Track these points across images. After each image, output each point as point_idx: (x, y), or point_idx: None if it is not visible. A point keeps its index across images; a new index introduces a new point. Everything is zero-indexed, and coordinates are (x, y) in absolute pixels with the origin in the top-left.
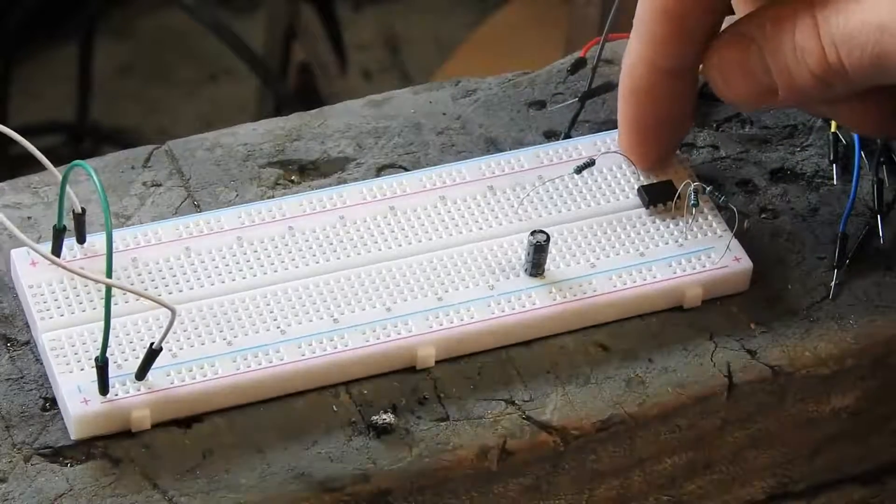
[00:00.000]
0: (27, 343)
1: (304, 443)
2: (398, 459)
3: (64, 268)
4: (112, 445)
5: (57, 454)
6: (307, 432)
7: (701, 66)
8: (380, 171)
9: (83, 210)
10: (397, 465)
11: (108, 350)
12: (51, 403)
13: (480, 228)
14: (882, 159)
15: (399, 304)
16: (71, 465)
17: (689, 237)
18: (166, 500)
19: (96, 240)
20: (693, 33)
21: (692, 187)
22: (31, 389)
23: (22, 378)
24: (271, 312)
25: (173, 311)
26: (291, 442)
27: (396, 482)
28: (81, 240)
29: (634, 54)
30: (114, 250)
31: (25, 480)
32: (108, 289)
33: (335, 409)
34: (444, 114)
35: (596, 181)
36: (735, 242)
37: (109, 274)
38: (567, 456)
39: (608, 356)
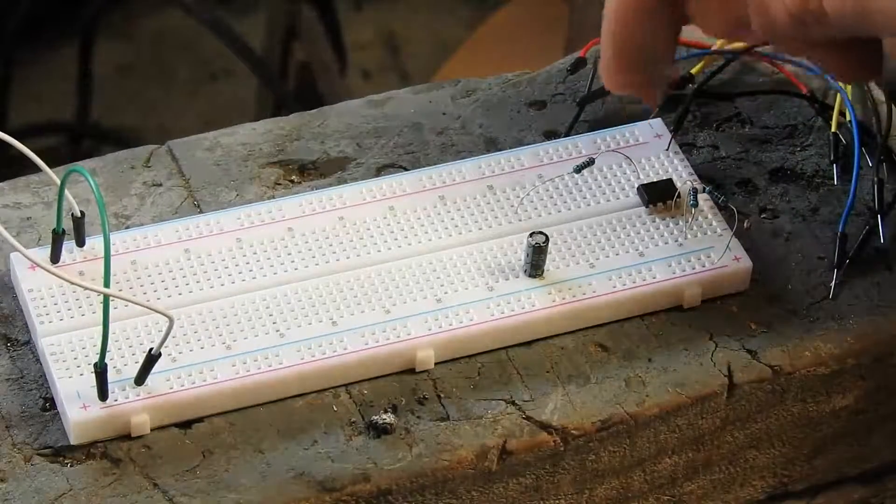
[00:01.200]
0: (27, 343)
1: (304, 443)
2: (398, 459)
3: (60, 277)
4: (112, 445)
5: (57, 454)
6: (307, 432)
7: None
8: (380, 171)
9: (82, 213)
10: (397, 465)
11: (107, 355)
12: (51, 403)
13: (480, 229)
14: (882, 159)
15: (398, 307)
16: (71, 465)
17: (688, 237)
18: (166, 500)
19: (96, 242)
20: None
21: (692, 187)
22: (32, 389)
23: (22, 378)
24: (270, 315)
25: (171, 320)
26: (291, 442)
27: (396, 482)
28: (81, 243)
29: None
30: (113, 252)
31: (25, 480)
32: (107, 298)
33: (335, 409)
34: (444, 114)
35: (595, 180)
36: (735, 242)
37: (108, 283)
38: (567, 456)
39: (608, 356)
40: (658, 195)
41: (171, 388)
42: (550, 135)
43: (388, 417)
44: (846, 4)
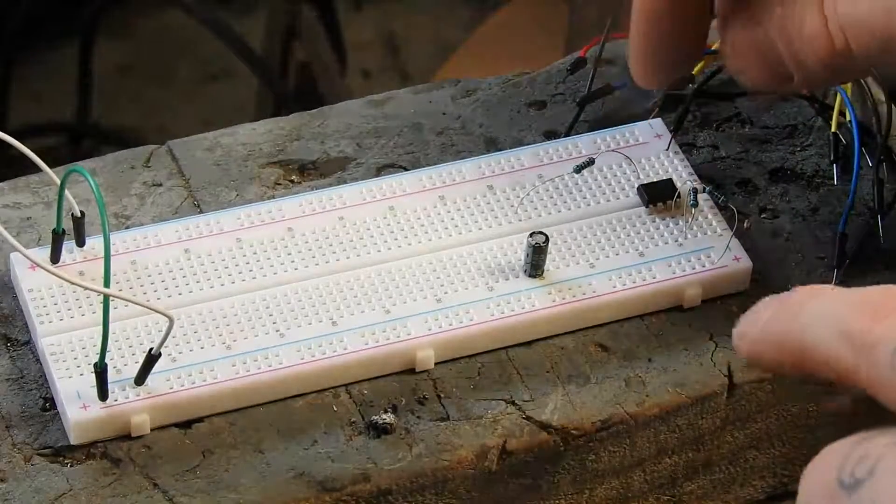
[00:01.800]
0: (27, 343)
1: (304, 443)
2: (398, 459)
3: (60, 277)
4: (112, 445)
5: (57, 454)
6: (307, 432)
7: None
8: (380, 171)
9: (82, 213)
10: (397, 465)
11: (107, 355)
12: (51, 403)
13: (480, 229)
14: (882, 159)
15: (398, 307)
16: (71, 465)
17: (688, 237)
18: (166, 500)
19: (96, 242)
20: None
21: (692, 187)
22: (32, 389)
23: (22, 378)
24: (270, 315)
25: (171, 320)
26: (291, 442)
27: (396, 482)
28: (81, 243)
29: None
30: (113, 252)
31: (25, 480)
32: (107, 298)
33: (335, 409)
34: (444, 114)
35: (595, 180)
36: (735, 242)
37: (108, 283)
38: (567, 456)
39: (608, 356)
40: (658, 195)
41: (171, 388)
42: (550, 135)
43: (388, 417)
44: (872, 41)
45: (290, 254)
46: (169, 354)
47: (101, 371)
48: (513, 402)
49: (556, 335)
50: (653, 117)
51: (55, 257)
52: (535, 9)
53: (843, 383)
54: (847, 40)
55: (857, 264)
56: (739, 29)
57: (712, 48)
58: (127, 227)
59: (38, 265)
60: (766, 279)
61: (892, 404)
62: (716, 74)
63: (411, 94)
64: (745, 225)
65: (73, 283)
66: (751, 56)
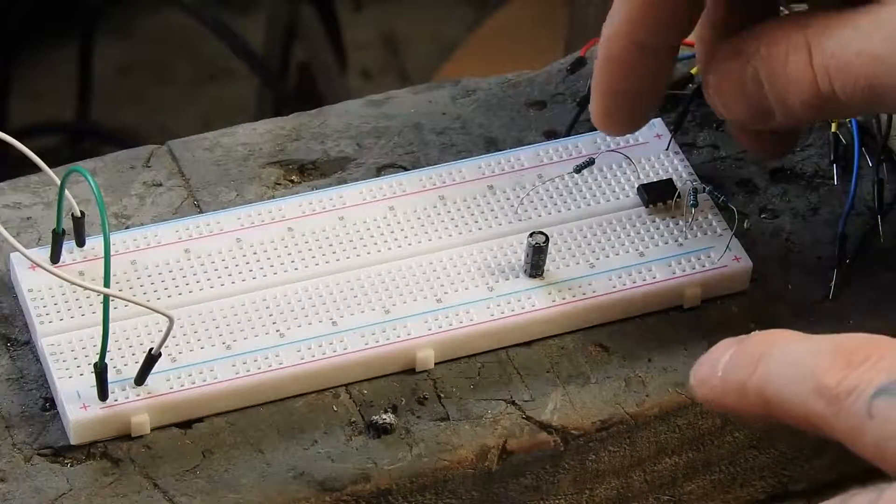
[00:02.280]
0: (27, 343)
1: (304, 443)
2: (398, 459)
3: (60, 277)
4: (112, 445)
5: (57, 454)
6: (307, 432)
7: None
8: (380, 171)
9: (82, 213)
10: (397, 465)
11: (107, 355)
12: (51, 403)
13: (480, 229)
14: (882, 159)
15: (398, 307)
16: (71, 465)
17: (688, 237)
18: (166, 500)
19: (96, 242)
20: (673, 14)
21: (692, 187)
22: (32, 389)
23: (22, 378)
24: (270, 315)
25: (171, 319)
26: (291, 442)
27: (396, 482)
28: (81, 243)
29: (614, 26)
30: (113, 252)
31: (25, 480)
32: (107, 298)
33: (335, 409)
34: (444, 114)
35: (595, 180)
36: (735, 242)
37: (108, 283)
38: (567, 456)
39: (608, 356)
40: (658, 195)
41: (171, 388)
42: (550, 135)
43: (388, 417)
44: (857, 87)
45: (290, 254)
46: (169, 354)
47: (101, 371)
48: (513, 402)
49: (556, 335)
50: (653, 117)
51: (55, 257)
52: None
53: (815, 434)
54: (832, 83)
55: (857, 264)
56: (724, 62)
57: None
58: (127, 227)
59: (38, 265)
60: (766, 279)
61: (869, 454)
62: None
63: (411, 94)
64: (745, 225)
65: (73, 283)
66: (733, 90)
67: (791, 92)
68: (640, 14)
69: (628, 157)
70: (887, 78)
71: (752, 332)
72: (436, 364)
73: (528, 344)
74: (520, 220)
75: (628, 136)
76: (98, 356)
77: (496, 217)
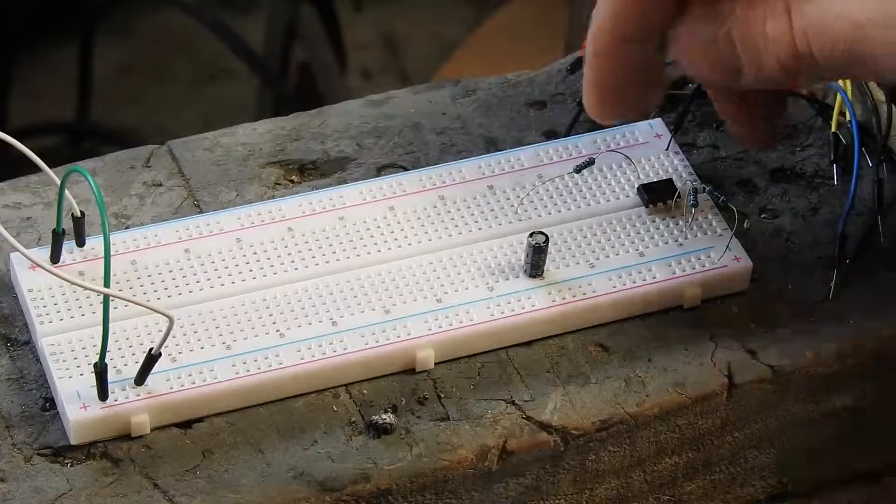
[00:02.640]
0: (27, 343)
1: (304, 443)
2: (398, 459)
3: (60, 277)
4: (112, 445)
5: (57, 454)
6: (307, 432)
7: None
8: (380, 171)
9: (82, 213)
10: (397, 465)
11: (107, 355)
12: (51, 403)
13: (480, 229)
14: (882, 159)
15: (398, 307)
16: (71, 465)
17: (688, 237)
18: (166, 500)
19: (96, 242)
20: (655, 7)
21: (692, 187)
22: (32, 389)
23: (22, 378)
24: (270, 315)
25: (171, 319)
26: (291, 442)
27: (396, 482)
28: (81, 243)
29: (599, 21)
30: (113, 252)
31: (25, 480)
32: (107, 298)
33: (335, 409)
34: (444, 114)
35: (595, 180)
36: (735, 242)
37: (108, 283)
38: (567, 456)
39: (608, 356)
40: (658, 195)
41: (171, 388)
42: (550, 135)
43: (388, 417)
44: (836, 51)
45: (290, 254)
46: (169, 354)
47: (101, 371)
48: (513, 402)
49: (556, 335)
50: (653, 117)
51: (55, 257)
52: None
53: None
54: (810, 46)
55: (857, 264)
56: (698, 23)
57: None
58: (127, 227)
59: (38, 265)
60: (766, 279)
61: None
62: None
63: (411, 94)
64: (745, 225)
65: (73, 283)
66: (706, 50)
67: (767, 53)
68: (624, 8)
69: (628, 157)
70: (866, 43)
71: None
72: (436, 364)
73: (528, 344)
74: (520, 220)
75: (628, 136)
76: (98, 356)
77: (496, 217)
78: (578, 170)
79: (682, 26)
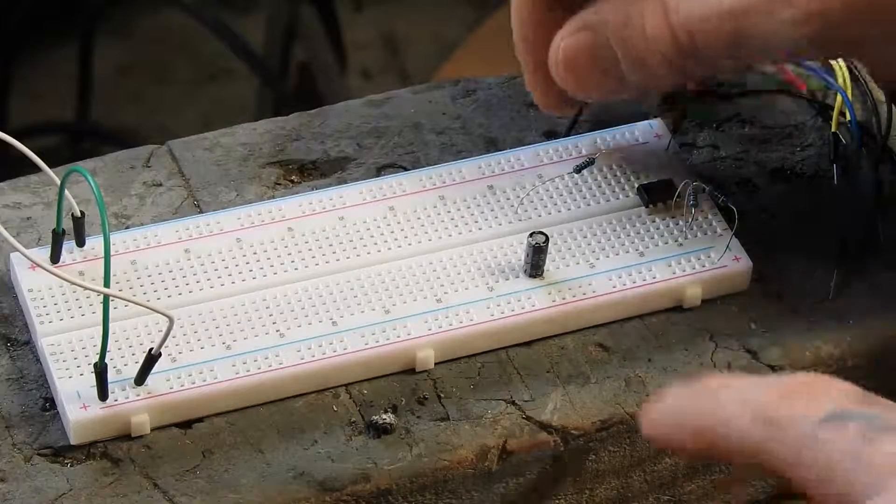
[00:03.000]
0: (27, 343)
1: (304, 443)
2: (398, 459)
3: (60, 277)
4: (112, 445)
5: (57, 454)
6: (307, 432)
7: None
8: (380, 171)
9: (82, 213)
10: (397, 465)
11: (107, 355)
12: (51, 403)
13: (480, 229)
14: (882, 159)
15: (398, 307)
16: (71, 465)
17: (688, 237)
18: (166, 500)
19: (96, 242)
20: None
21: (692, 187)
22: (32, 389)
23: (22, 378)
24: (270, 315)
25: (171, 319)
26: (291, 442)
27: (396, 482)
28: (81, 243)
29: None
30: (113, 252)
31: (25, 480)
32: (107, 298)
33: (335, 409)
34: (444, 114)
35: (595, 180)
36: (735, 242)
37: (108, 283)
38: (567, 456)
39: (608, 356)
40: (658, 195)
41: (171, 388)
42: (550, 135)
43: (388, 417)
44: (720, 38)
45: (290, 254)
46: (169, 354)
47: (101, 371)
48: (513, 402)
49: (556, 335)
50: (653, 117)
51: (55, 257)
52: None
53: (745, 460)
54: (693, 38)
55: (857, 264)
56: (570, 38)
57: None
58: (127, 227)
59: (38, 265)
60: (766, 279)
61: (812, 479)
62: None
63: (411, 94)
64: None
65: (73, 283)
66: (585, 63)
67: (650, 53)
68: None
69: (628, 157)
70: (749, 26)
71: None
72: (436, 364)
73: (528, 344)
74: (520, 220)
75: (628, 136)
76: (98, 356)
77: (496, 217)
78: (578, 170)
79: (555, 47)
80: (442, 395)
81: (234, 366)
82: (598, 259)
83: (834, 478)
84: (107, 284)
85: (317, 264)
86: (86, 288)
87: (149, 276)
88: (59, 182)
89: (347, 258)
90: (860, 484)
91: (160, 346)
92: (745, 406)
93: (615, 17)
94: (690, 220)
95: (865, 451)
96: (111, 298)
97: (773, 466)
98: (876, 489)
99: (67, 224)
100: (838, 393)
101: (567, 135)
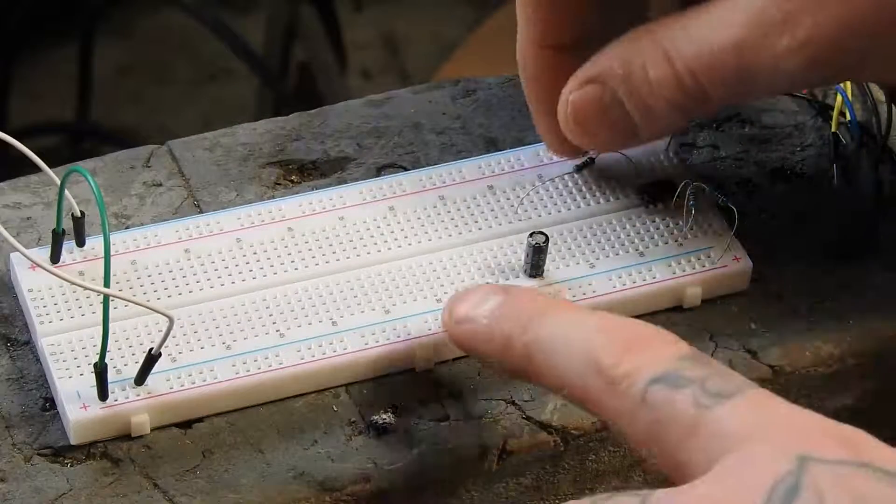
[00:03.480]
0: (27, 343)
1: (304, 443)
2: (398, 459)
3: (60, 277)
4: (112, 445)
5: (57, 454)
6: (307, 432)
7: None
8: (380, 171)
9: (82, 213)
10: (397, 465)
11: (107, 355)
12: (51, 403)
13: (480, 229)
14: (882, 159)
15: (398, 307)
16: (71, 465)
17: (688, 237)
18: (166, 500)
19: (96, 242)
20: (567, 5)
21: (692, 187)
22: (32, 389)
23: (22, 378)
24: (270, 315)
25: (171, 319)
26: (291, 442)
27: (396, 482)
28: (81, 243)
29: (520, 37)
30: (113, 252)
31: (25, 480)
32: (107, 298)
33: (335, 409)
34: (444, 114)
35: (595, 180)
36: (735, 242)
37: (108, 283)
38: (567, 456)
39: None
40: (658, 195)
41: (171, 388)
42: None
43: (388, 417)
44: (726, 78)
45: (290, 254)
46: (169, 354)
47: (101, 371)
48: (513, 402)
49: None
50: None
51: (55, 257)
52: None
53: (582, 407)
54: (698, 80)
55: (857, 264)
56: (577, 91)
57: None
58: (127, 227)
59: (38, 265)
60: (766, 279)
61: (639, 439)
62: None
63: (411, 94)
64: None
65: (73, 283)
66: (594, 117)
67: (654, 98)
68: (537, 13)
69: (628, 157)
70: (752, 62)
71: (514, 286)
72: (436, 364)
73: None
74: (520, 220)
75: None
76: (98, 356)
77: (496, 217)
78: (578, 170)
79: (563, 102)
80: (442, 395)
81: (234, 366)
82: (598, 259)
83: (665, 443)
84: (107, 284)
85: (317, 264)
86: (86, 288)
87: (149, 276)
88: (59, 182)
89: (347, 258)
90: (695, 454)
91: (160, 346)
92: (580, 354)
93: (620, 67)
94: (690, 220)
95: (699, 421)
96: (111, 298)
97: (601, 415)
98: (709, 462)
99: (67, 224)
100: (672, 353)
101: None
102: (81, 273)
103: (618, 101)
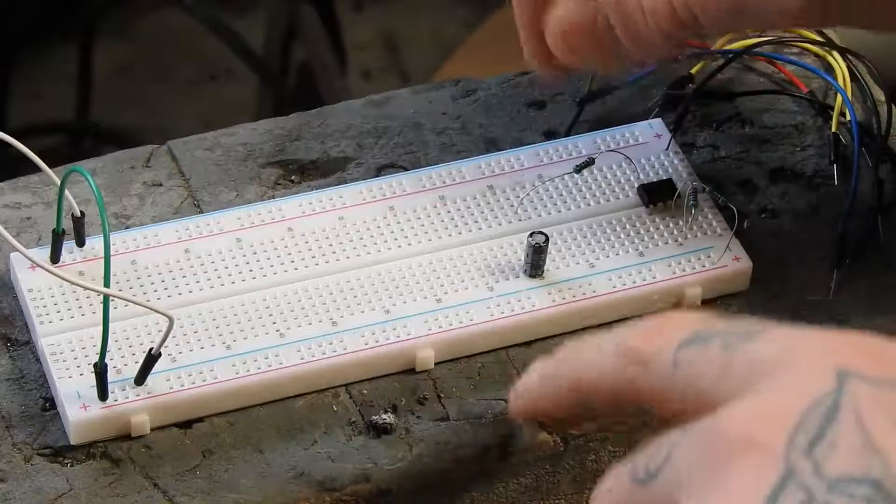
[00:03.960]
0: (27, 343)
1: (304, 443)
2: (398, 459)
3: (60, 277)
4: (112, 445)
5: (57, 454)
6: (307, 432)
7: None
8: (380, 171)
9: (82, 213)
10: (397, 465)
11: (107, 355)
12: (51, 403)
13: (480, 229)
14: (882, 159)
15: (398, 307)
16: (71, 465)
17: (688, 237)
18: (166, 500)
19: (96, 242)
20: None
21: (692, 187)
22: (32, 389)
23: (22, 378)
24: (270, 315)
25: (171, 320)
26: (291, 442)
27: (396, 482)
28: (81, 243)
29: None
30: (113, 252)
31: (25, 480)
32: (107, 298)
33: (335, 409)
34: (444, 114)
35: (596, 180)
36: (735, 242)
37: (108, 283)
38: (567, 456)
39: None
40: (658, 195)
41: (171, 388)
42: (550, 135)
43: (388, 417)
44: (721, 9)
45: (290, 254)
46: (169, 354)
47: (101, 371)
48: None
49: (556, 335)
50: (653, 117)
51: (55, 257)
52: None
53: (617, 400)
54: (693, 13)
55: (857, 264)
56: (569, 13)
57: (711, 48)
58: (127, 227)
59: (38, 265)
60: (766, 279)
61: (675, 407)
62: (716, 74)
63: (411, 94)
64: (744, 224)
65: (73, 283)
66: (582, 37)
67: (647, 28)
68: None
69: (628, 157)
70: None
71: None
72: (436, 364)
73: (528, 344)
74: (520, 220)
75: (628, 136)
76: (98, 356)
77: (496, 217)
78: (578, 170)
79: (555, 19)
80: (442, 395)
81: (234, 366)
82: (598, 259)
83: (700, 394)
84: (107, 284)
85: (317, 264)
86: (86, 288)
87: (149, 276)
88: (59, 182)
89: (347, 258)
90: (723, 392)
91: (160, 346)
92: (609, 348)
93: None
94: (690, 220)
95: (727, 361)
96: (111, 298)
97: (643, 401)
98: (736, 393)
99: (67, 224)
100: (695, 319)
101: (567, 135)
102: (81, 273)
103: (608, 24)
